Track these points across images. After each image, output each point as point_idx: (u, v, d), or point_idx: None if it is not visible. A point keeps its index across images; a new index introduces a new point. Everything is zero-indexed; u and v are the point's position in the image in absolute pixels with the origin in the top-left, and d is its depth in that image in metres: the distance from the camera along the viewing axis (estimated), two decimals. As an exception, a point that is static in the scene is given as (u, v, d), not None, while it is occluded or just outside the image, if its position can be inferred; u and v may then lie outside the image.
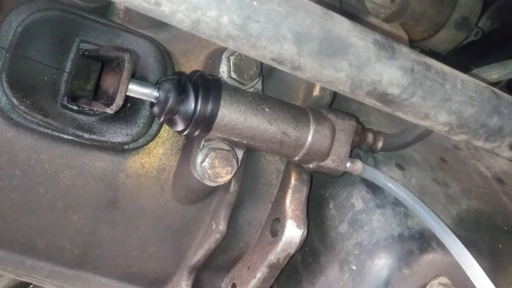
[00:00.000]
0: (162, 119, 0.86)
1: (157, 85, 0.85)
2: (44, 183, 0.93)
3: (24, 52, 0.86)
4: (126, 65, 0.80)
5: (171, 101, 0.84)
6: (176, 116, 0.86)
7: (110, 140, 0.93)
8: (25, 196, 0.93)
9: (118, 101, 0.80)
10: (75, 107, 0.91)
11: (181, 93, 0.85)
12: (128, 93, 0.82)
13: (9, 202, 0.93)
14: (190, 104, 0.84)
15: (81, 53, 0.90)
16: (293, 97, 1.00)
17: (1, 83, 0.85)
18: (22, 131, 0.90)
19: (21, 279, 1.04)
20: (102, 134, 0.93)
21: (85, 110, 0.91)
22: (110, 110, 0.81)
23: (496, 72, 0.95)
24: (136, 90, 0.83)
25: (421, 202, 0.94)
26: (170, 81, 0.86)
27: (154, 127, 0.96)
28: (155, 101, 0.85)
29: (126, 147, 0.95)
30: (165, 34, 0.96)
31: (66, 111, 0.90)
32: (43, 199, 0.94)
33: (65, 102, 0.90)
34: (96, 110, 0.91)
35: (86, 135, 0.91)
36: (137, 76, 0.92)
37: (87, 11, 0.90)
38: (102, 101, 0.84)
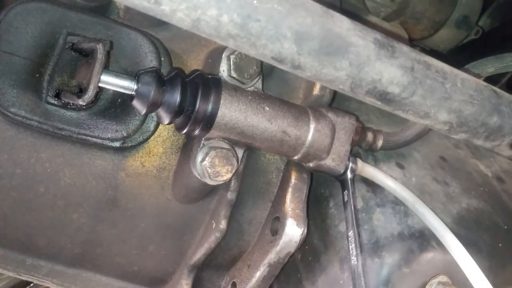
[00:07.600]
0: (144, 112, 0.83)
1: (135, 77, 0.82)
2: (44, 182, 0.93)
3: (6, 47, 0.84)
4: (98, 56, 0.78)
5: (152, 93, 0.80)
6: (159, 109, 0.83)
7: (100, 135, 0.91)
8: (25, 195, 0.93)
9: (90, 92, 0.78)
10: (59, 103, 0.88)
11: (166, 84, 0.82)
12: (103, 85, 0.80)
13: (10, 201, 0.93)
14: (175, 96, 0.81)
15: (67, 46, 0.87)
16: (293, 96, 1.00)
17: None
18: (23, 130, 0.90)
19: (21, 277, 1.04)
20: (91, 129, 0.91)
21: (71, 105, 0.89)
22: (82, 102, 0.79)
23: (492, 65, 0.95)
24: (111, 82, 0.80)
25: (420, 201, 0.94)
26: (149, 73, 0.82)
27: (151, 124, 0.95)
28: (134, 93, 0.82)
29: (120, 144, 0.93)
30: (165, 33, 0.96)
31: (51, 106, 0.88)
32: (43, 198, 0.94)
33: (49, 98, 0.88)
34: (83, 106, 0.88)
35: (74, 129, 0.89)
36: (128, 70, 0.90)
37: (87, 10, 0.90)
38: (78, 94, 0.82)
